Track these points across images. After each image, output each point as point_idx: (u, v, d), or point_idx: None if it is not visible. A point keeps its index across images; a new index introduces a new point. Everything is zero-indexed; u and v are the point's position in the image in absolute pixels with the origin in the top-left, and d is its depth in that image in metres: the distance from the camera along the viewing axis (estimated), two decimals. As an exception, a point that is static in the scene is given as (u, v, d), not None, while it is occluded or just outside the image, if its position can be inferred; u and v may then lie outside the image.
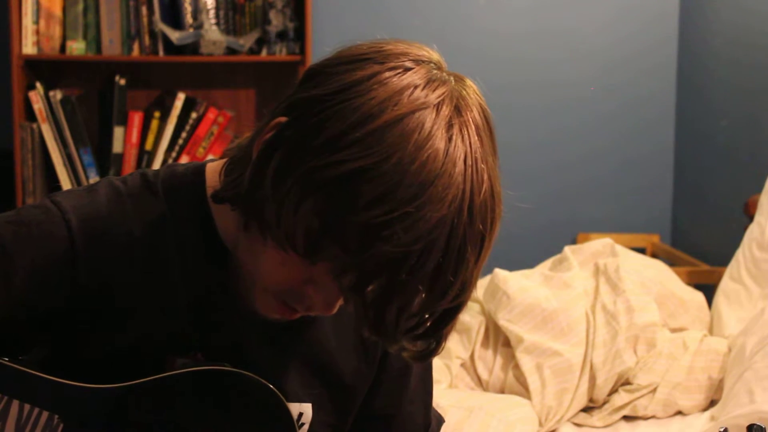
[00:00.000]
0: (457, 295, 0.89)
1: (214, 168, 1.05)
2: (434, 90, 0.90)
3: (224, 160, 1.02)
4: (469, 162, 0.88)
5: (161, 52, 3.20)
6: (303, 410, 1.10)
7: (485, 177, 0.89)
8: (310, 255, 0.89)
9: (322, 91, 0.90)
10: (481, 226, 0.88)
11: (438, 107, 0.88)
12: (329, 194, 0.87)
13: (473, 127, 0.89)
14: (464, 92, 0.91)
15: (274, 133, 0.92)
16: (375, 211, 0.85)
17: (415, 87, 0.89)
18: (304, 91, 0.92)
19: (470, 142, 0.88)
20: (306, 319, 1.06)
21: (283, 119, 0.92)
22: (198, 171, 1.06)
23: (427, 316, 0.91)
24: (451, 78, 0.92)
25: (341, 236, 0.87)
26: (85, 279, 0.99)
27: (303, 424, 1.10)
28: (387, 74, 0.89)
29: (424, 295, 0.88)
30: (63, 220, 0.99)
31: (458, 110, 0.89)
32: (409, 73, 0.90)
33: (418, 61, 0.92)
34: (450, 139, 0.87)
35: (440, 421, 1.25)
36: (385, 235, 0.85)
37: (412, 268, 0.86)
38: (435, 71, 0.92)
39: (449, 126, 0.88)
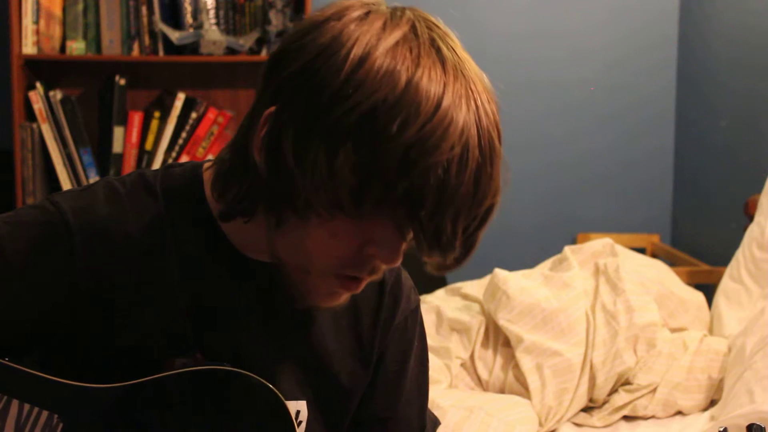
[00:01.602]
0: (495, 191, 0.93)
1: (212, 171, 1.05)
2: (401, 19, 0.94)
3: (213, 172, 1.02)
4: (462, 68, 0.93)
5: (161, 52, 3.19)
6: (299, 408, 1.10)
7: (477, 79, 0.94)
8: (359, 206, 0.91)
9: (301, 62, 0.93)
10: (495, 121, 0.94)
11: (414, 31, 0.93)
12: (358, 137, 0.89)
13: (448, 39, 0.95)
14: (422, 14, 0.97)
15: (270, 124, 0.93)
16: (408, 131, 0.88)
17: (384, 24, 0.93)
18: (280, 74, 0.94)
19: (455, 51, 0.94)
20: (305, 320, 1.06)
21: (271, 109, 0.93)
22: (195, 171, 1.06)
23: (472, 220, 0.94)
24: (405, 9, 0.97)
25: (383, 170, 0.88)
26: (84, 280, 0.99)
27: (301, 422, 1.10)
28: (352, 25, 0.93)
29: (471, 197, 0.91)
30: (62, 221, 0.99)
31: (430, 29, 0.95)
32: (370, 16, 0.94)
33: (365, 4, 0.96)
34: (438, 51, 0.93)
35: (435, 423, 1.25)
36: (426, 149, 0.88)
37: (458, 172, 0.89)
38: (383, 8, 0.96)
39: (432, 41, 0.93)
